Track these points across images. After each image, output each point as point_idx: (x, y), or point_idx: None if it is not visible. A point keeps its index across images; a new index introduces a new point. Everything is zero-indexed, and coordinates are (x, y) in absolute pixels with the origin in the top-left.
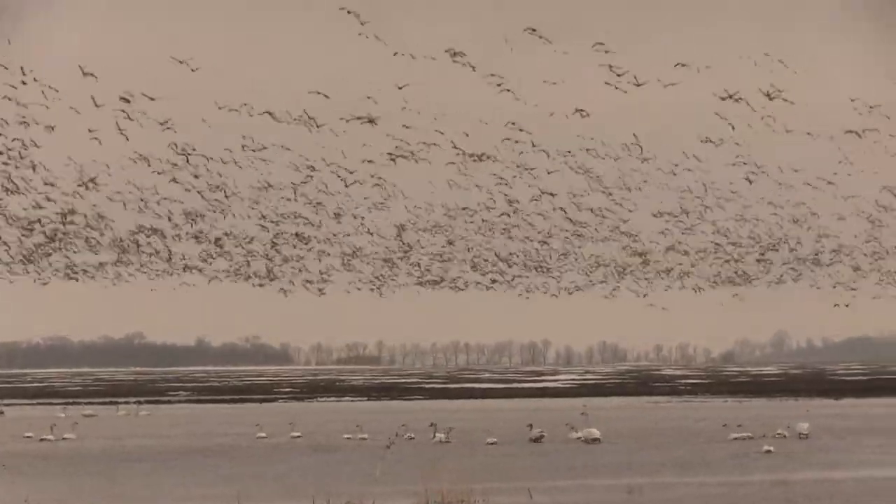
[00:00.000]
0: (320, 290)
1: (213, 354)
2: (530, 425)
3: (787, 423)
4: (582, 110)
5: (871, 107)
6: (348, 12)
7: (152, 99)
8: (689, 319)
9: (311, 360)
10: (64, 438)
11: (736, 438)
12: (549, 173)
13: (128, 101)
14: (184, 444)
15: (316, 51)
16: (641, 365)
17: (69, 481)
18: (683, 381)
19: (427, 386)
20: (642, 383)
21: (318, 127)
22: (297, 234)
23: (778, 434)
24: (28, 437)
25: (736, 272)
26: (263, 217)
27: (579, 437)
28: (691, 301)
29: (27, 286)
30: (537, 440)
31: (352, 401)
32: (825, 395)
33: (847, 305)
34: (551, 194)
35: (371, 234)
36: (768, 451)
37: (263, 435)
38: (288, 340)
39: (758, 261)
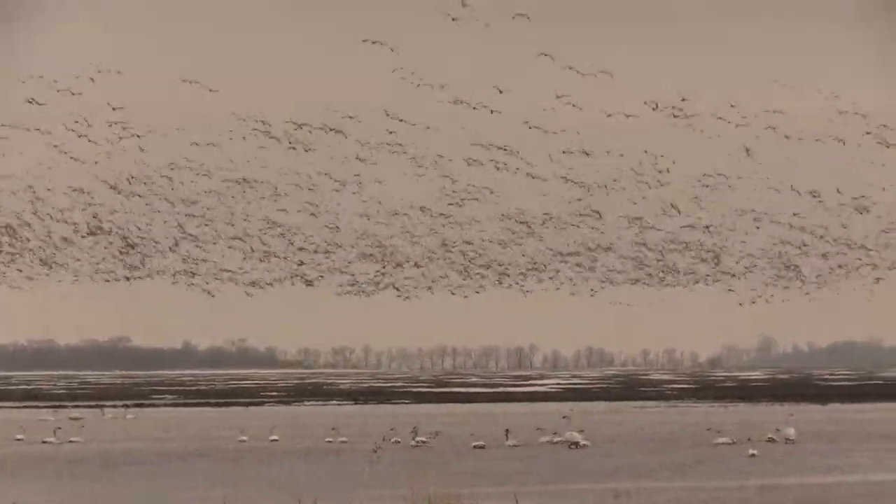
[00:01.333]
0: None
1: (199, 358)
2: (507, 431)
3: (774, 427)
4: None
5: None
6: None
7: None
8: (675, 324)
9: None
10: (71, 441)
11: (721, 443)
12: None
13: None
14: (169, 448)
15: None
16: (628, 369)
17: (58, 484)
18: (670, 385)
19: (414, 390)
20: (629, 388)
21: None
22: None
23: (770, 439)
24: (19, 439)
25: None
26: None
27: (558, 441)
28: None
29: (13, 289)
30: (515, 446)
31: (338, 404)
32: (812, 399)
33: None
34: None
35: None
36: (753, 456)
37: (245, 438)
38: (274, 344)
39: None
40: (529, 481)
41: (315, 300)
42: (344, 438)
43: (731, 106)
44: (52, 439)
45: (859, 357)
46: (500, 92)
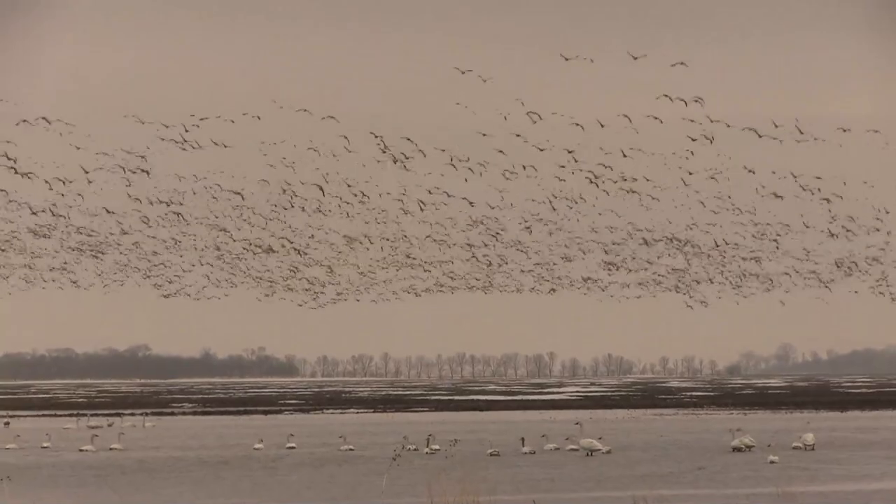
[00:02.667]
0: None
1: (218, 366)
2: (522, 439)
3: (794, 434)
4: None
5: None
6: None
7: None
8: (694, 331)
9: (316, 373)
10: (111, 448)
11: (741, 449)
12: None
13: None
14: (180, 455)
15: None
16: (647, 377)
17: (76, 491)
18: (689, 393)
19: (432, 398)
20: (648, 396)
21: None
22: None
23: (795, 447)
24: (45, 447)
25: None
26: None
27: (576, 449)
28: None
29: (33, 298)
30: (531, 453)
31: (357, 412)
32: (830, 407)
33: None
34: None
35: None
36: (773, 462)
37: (260, 446)
38: (293, 352)
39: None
40: (547, 488)
41: (334, 309)
42: (353, 447)
43: None
44: (88, 447)
45: (879, 364)
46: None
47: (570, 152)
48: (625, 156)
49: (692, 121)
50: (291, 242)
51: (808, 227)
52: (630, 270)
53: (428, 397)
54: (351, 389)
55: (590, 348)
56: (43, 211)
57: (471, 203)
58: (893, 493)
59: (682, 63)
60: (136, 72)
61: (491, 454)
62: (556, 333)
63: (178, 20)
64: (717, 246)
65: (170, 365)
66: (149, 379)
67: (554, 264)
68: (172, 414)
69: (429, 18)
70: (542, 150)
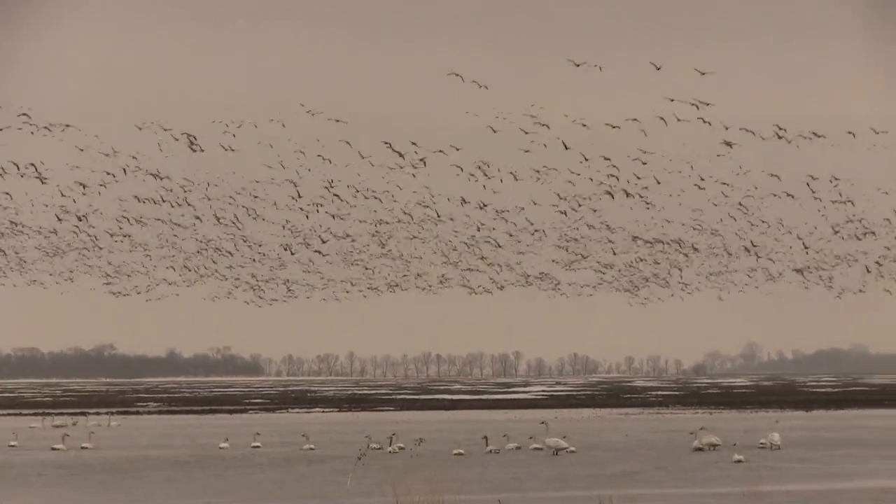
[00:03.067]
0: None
1: (183, 365)
2: (486, 438)
3: (760, 433)
4: None
5: None
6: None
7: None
8: (660, 331)
9: (282, 372)
10: (82, 447)
11: (705, 449)
12: None
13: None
14: (152, 455)
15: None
16: (613, 377)
17: (41, 491)
18: (654, 392)
19: (398, 397)
20: (613, 395)
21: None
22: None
23: (761, 446)
24: (13, 446)
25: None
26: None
27: (541, 448)
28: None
29: None
30: (494, 452)
31: (322, 412)
32: (796, 406)
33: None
34: None
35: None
36: (739, 461)
37: (225, 445)
38: (259, 352)
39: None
40: (513, 487)
41: (299, 309)
42: (314, 446)
43: None
44: (60, 446)
45: (844, 364)
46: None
47: (584, 159)
48: (643, 162)
49: (708, 123)
50: (246, 242)
51: (783, 226)
52: (597, 271)
53: (393, 396)
54: (316, 389)
55: (555, 348)
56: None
57: (467, 202)
58: (860, 493)
59: (705, 72)
60: (143, 75)
61: (456, 454)
62: (521, 333)
63: (180, 25)
64: (694, 249)
65: (135, 364)
66: (114, 378)
67: (518, 263)
68: (138, 413)
69: (430, 23)
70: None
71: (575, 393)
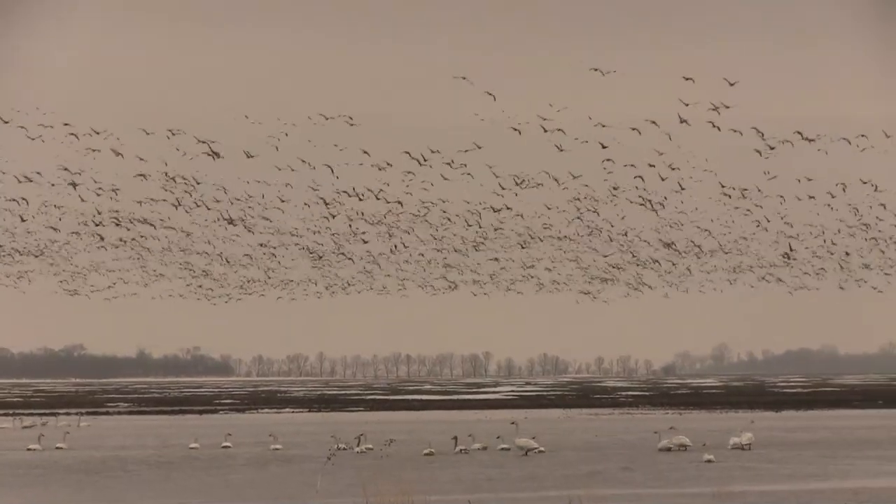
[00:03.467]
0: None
1: (153, 366)
2: (455, 438)
3: (730, 434)
4: None
5: None
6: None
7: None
8: (630, 331)
9: (252, 372)
10: (57, 448)
11: (673, 448)
12: None
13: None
14: (124, 455)
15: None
16: (582, 377)
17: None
18: (624, 393)
19: (368, 397)
20: (583, 395)
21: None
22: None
23: (732, 446)
24: None
25: None
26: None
27: (508, 448)
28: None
29: None
30: (464, 452)
31: (292, 412)
32: (766, 407)
33: None
34: None
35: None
36: (709, 462)
37: (196, 445)
38: (229, 352)
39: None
40: (485, 488)
41: (269, 309)
42: (281, 446)
43: None
44: (35, 446)
45: (814, 365)
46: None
47: (606, 161)
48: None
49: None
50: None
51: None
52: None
53: (363, 397)
54: (286, 389)
55: (525, 348)
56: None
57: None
58: (832, 493)
59: (733, 82)
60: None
61: (427, 454)
62: (491, 333)
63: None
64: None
65: (105, 365)
66: (84, 379)
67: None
68: (108, 414)
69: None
70: (562, 151)
71: (545, 393)
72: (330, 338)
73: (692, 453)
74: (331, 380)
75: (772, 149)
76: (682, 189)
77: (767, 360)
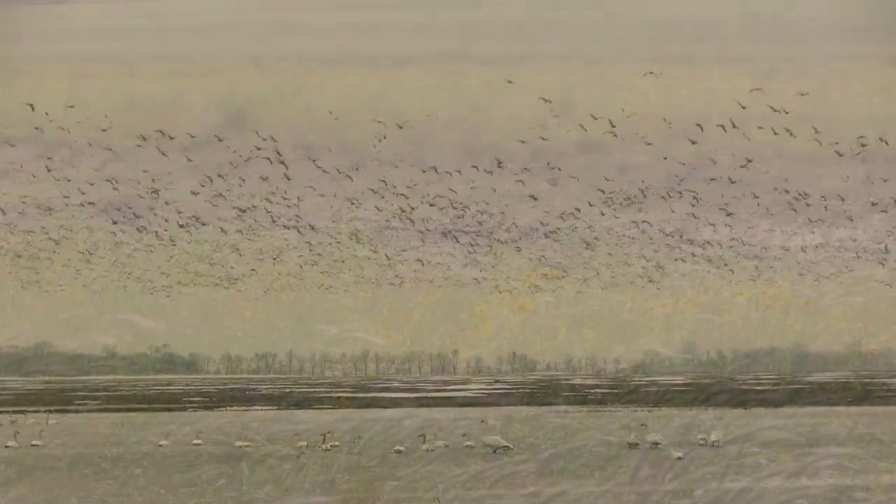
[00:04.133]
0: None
1: (121, 364)
2: (423, 436)
3: (699, 431)
4: None
5: None
6: None
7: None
8: (599, 329)
9: (220, 370)
10: (32, 445)
11: (641, 444)
12: None
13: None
14: (98, 452)
15: None
16: (551, 374)
17: None
18: (593, 390)
19: (336, 395)
20: (552, 393)
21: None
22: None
23: (700, 441)
24: None
25: None
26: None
27: (473, 446)
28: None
29: None
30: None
31: (261, 409)
32: (735, 404)
33: None
34: None
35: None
36: (679, 459)
37: (165, 443)
38: (197, 350)
39: None
40: (453, 485)
41: (237, 306)
42: (249, 444)
43: None
44: (12, 443)
45: (783, 362)
46: None
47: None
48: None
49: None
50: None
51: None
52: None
53: (332, 395)
54: (255, 387)
55: (493, 346)
56: None
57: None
58: (802, 489)
59: (804, 93)
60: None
61: (396, 451)
62: (459, 331)
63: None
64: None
65: (73, 362)
66: (52, 377)
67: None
68: (77, 412)
69: None
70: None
71: (514, 391)
72: (298, 336)
73: (661, 450)
74: (299, 378)
75: None
76: None
77: (736, 357)
